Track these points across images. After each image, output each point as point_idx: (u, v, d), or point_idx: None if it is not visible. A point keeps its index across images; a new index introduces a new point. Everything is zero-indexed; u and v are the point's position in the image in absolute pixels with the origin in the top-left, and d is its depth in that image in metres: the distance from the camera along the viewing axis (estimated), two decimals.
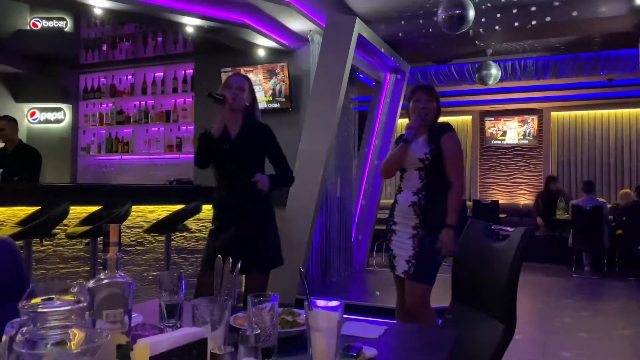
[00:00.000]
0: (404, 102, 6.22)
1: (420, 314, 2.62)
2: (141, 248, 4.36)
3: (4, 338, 0.83)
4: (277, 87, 5.71)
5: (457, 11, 4.30)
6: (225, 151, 2.55)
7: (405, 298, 2.67)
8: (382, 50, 5.28)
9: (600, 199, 7.16)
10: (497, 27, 5.46)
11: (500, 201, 8.92)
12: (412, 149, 2.70)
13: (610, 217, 6.99)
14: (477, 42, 5.94)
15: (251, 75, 5.85)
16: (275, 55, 5.71)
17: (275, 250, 2.64)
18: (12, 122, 4.66)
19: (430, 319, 2.63)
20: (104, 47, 6.69)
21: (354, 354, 1.08)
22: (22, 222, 3.35)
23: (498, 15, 5.38)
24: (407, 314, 2.75)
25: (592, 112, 9.47)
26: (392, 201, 2.84)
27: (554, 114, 9.74)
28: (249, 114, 2.66)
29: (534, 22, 5.30)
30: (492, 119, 10.14)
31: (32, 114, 6.98)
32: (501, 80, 6.80)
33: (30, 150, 4.74)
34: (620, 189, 9.02)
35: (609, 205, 7.27)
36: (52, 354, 0.72)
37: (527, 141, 9.90)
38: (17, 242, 1.68)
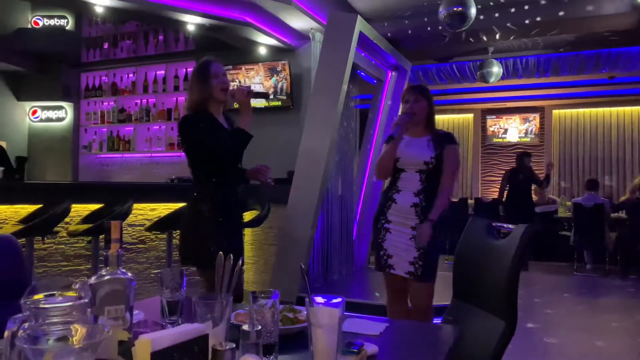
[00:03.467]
0: None
1: (426, 310, 2.67)
2: (143, 246, 4.37)
3: (6, 334, 0.84)
4: (279, 85, 5.71)
5: (459, 9, 4.30)
6: (239, 144, 2.43)
7: (412, 298, 2.71)
8: (384, 48, 5.28)
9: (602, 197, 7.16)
10: (498, 25, 5.45)
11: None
12: (414, 151, 2.69)
13: (615, 214, 6.99)
14: (478, 39, 5.93)
15: (252, 74, 5.85)
16: (277, 53, 5.71)
17: None
18: None
19: (431, 315, 2.68)
20: (106, 46, 6.70)
21: (355, 350, 1.08)
22: (24, 220, 3.36)
23: (499, 13, 5.38)
24: (406, 311, 2.78)
25: (594, 110, 9.46)
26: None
27: (555, 111, 9.72)
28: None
29: (535, 20, 5.29)
30: (494, 116, 10.13)
31: (34, 112, 6.99)
32: (503, 78, 6.79)
33: None
34: (622, 187, 8.99)
35: (620, 199, 7.24)
36: (53, 350, 0.72)
37: (528, 139, 9.89)
38: (19, 240, 1.68)
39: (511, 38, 5.89)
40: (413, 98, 2.74)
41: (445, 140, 2.72)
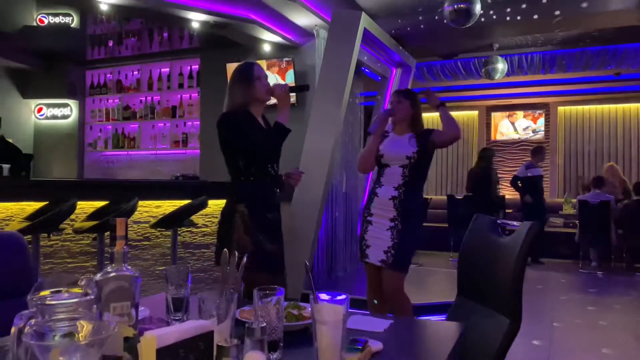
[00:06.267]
0: None
1: (396, 299, 2.82)
2: (148, 243, 4.38)
3: (12, 330, 0.84)
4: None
5: (463, 5, 4.28)
6: (277, 140, 2.46)
7: (383, 285, 2.85)
8: (388, 44, 5.26)
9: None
10: (504, 21, 5.42)
11: (507, 196, 8.86)
12: (397, 147, 2.88)
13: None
14: (483, 36, 5.90)
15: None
16: (281, 50, 5.70)
17: None
18: None
19: (406, 304, 2.82)
20: (110, 43, 6.71)
21: (360, 347, 1.09)
22: (30, 217, 3.38)
23: (505, 9, 5.35)
24: (382, 300, 2.92)
25: (599, 107, 9.40)
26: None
27: (561, 108, 9.68)
28: None
29: (541, 16, 5.26)
30: (499, 113, 10.09)
31: (39, 110, 7.02)
32: (508, 74, 6.76)
33: None
34: (627, 184, 8.93)
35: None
36: (60, 346, 0.72)
37: (534, 136, 9.84)
38: (25, 237, 1.69)
39: (515, 34, 5.86)
40: (395, 100, 2.97)
41: (427, 133, 2.90)
